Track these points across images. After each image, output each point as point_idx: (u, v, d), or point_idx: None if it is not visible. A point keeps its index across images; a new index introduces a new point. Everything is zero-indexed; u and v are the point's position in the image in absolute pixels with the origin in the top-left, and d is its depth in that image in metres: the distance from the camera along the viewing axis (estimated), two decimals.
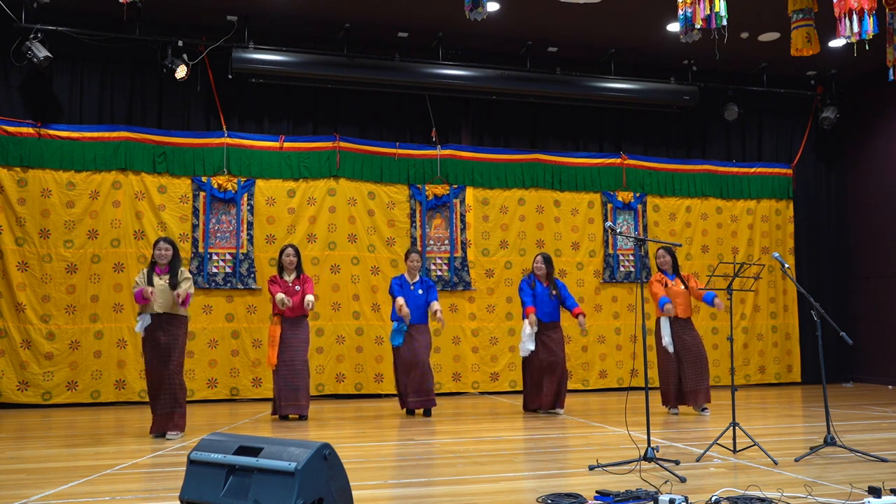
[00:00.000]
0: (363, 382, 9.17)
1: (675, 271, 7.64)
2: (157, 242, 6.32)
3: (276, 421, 7.13)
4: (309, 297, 7.12)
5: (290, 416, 7.21)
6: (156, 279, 6.17)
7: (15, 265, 8.24)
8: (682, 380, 7.44)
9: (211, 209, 8.87)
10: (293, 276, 7.31)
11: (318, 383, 9.03)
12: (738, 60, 10.15)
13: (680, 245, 5.81)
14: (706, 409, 7.53)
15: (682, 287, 7.54)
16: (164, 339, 6.14)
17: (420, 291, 7.59)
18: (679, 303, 7.50)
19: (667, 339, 7.46)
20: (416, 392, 7.50)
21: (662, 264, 7.64)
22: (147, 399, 6.92)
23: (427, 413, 7.60)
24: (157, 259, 6.25)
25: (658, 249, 7.74)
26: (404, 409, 7.69)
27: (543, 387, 7.54)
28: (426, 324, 7.64)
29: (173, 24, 8.76)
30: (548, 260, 7.79)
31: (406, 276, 7.67)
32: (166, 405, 6.15)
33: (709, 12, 5.76)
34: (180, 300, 6.11)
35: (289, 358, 7.16)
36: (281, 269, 7.34)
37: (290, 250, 7.35)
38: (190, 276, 6.36)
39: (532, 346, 7.54)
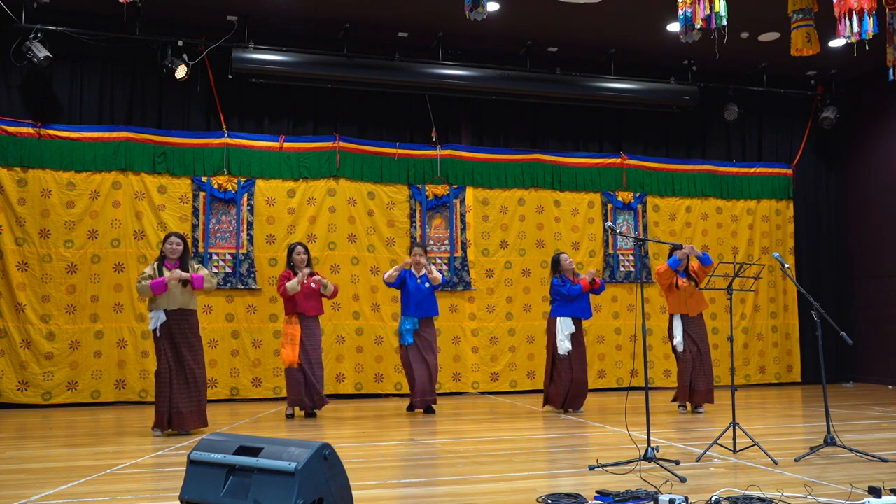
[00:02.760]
0: (363, 382, 9.17)
1: (686, 270, 7.64)
2: (168, 237, 6.35)
3: (277, 420, 7.13)
4: (324, 282, 7.32)
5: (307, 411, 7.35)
6: (166, 273, 6.18)
7: (15, 265, 8.24)
8: (696, 378, 7.46)
9: (211, 209, 8.87)
10: (304, 279, 7.31)
11: None
12: (738, 60, 10.14)
13: (680, 245, 5.81)
14: (701, 408, 7.55)
15: (694, 284, 7.54)
16: (182, 336, 6.19)
17: (427, 285, 7.64)
18: (691, 302, 7.51)
19: (678, 339, 7.46)
20: (424, 391, 7.57)
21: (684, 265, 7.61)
22: (150, 399, 6.91)
23: (430, 410, 7.66)
24: (168, 254, 6.27)
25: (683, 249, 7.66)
26: (411, 408, 7.72)
27: (572, 387, 7.61)
28: (433, 318, 7.72)
29: (173, 24, 8.76)
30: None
31: (413, 269, 7.70)
32: (194, 401, 6.16)
33: (709, 12, 5.76)
34: (196, 281, 6.18)
35: (313, 357, 7.23)
36: (292, 267, 7.36)
37: (300, 248, 7.39)
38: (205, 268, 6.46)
39: (570, 346, 7.60)
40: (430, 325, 7.69)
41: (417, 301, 7.57)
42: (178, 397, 6.13)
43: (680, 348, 7.49)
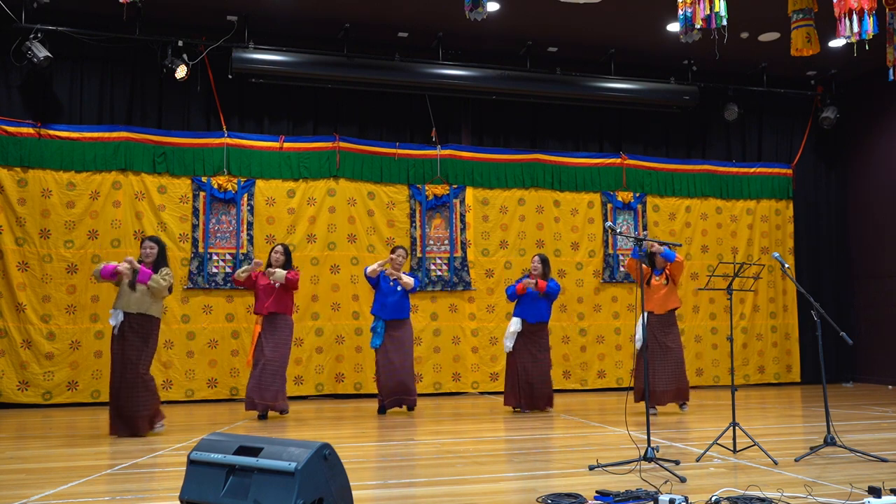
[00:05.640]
0: (363, 382, 9.17)
1: (663, 267, 7.59)
2: (143, 241, 6.37)
3: (277, 420, 7.13)
4: (279, 273, 7.17)
5: (269, 413, 7.29)
6: (122, 265, 6.19)
7: (15, 265, 8.24)
8: (655, 379, 7.33)
9: (211, 209, 8.87)
10: (249, 271, 7.28)
11: (318, 383, 9.04)
12: (738, 60, 10.14)
13: (680, 245, 5.79)
14: (685, 405, 7.49)
15: (665, 283, 7.47)
16: (134, 339, 6.12)
17: (399, 288, 7.63)
18: (656, 298, 7.42)
19: (638, 335, 7.30)
20: (393, 391, 7.56)
21: (661, 262, 7.55)
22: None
23: (410, 408, 7.71)
24: (143, 258, 6.27)
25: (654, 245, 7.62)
26: (382, 411, 7.68)
27: (521, 388, 7.64)
28: (406, 319, 7.69)
29: (173, 24, 8.76)
30: (545, 261, 7.85)
31: (388, 272, 7.69)
32: (131, 407, 6.06)
33: (709, 12, 5.76)
34: (141, 273, 6.11)
35: (270, 357, 7.13)
36: (268, 266, 7.33)
37: (279, 248, 7.37)
38: (170, 273, 6.36)
39: (511, 344, 7.65)
40: (401, 326, 7.64)
41: (388, 303, 7.57)
42: (124, 401, 6.06)
43: (637, 345, 7.24)
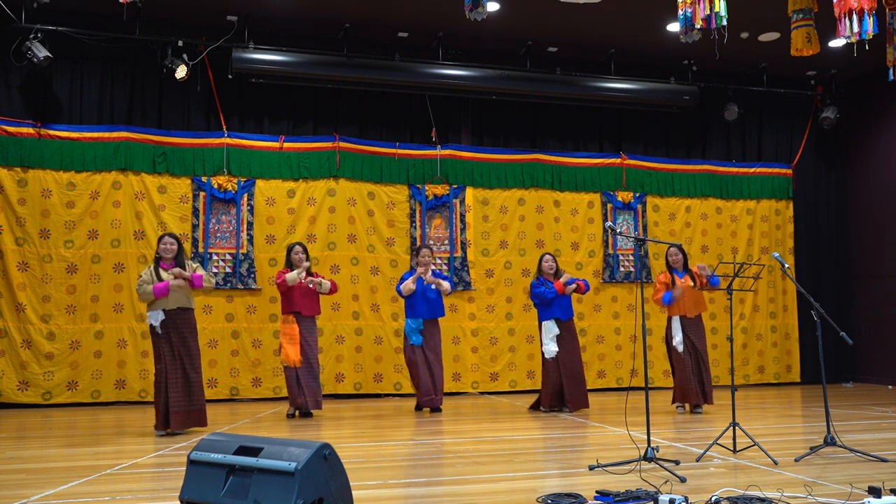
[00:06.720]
0: (362, 382, 9.18)
1: (686, 268, 7.64)
2: (162, 237, 6.42)
3: (277, 420, 7.13)
4: (318, 280, 7.40)
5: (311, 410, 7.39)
6: (164, 274, 6.23)
7: (15, 265, 8.24)
8: (705, 378, 7.47)
9: (211, 209, 8.87)
10: (304, 274, 7.37)
11: None
12: (738, 60, 10.14)
13: (679, 244, 5.81)
14: (700, 408, 7.54)
15: (692, 284, 7.53)
16: (180, 337, 6.24)
17: (433, 287, 7.71)
18: (688, 299, 7.51)
19: (677, 339, 7.45)
20: (428, 392, 7.63)
21: (675, 262, 7.60)
22: (150, 399, 6.94)
23: (437, 410, 7.74)
24: (163, 254, 6.32)
25: (670, 248, 7.69)
26: (419, 408, 7.79)
27: (567, 388, 7.62)
28: (438, 318, 7.81)
29: (173, 24, 8.76)
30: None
31: (421, 272, 7.76)
32: (192, 401, 6.22)
33: (709, 12, 5.76)
34: (195, 280, 6.25)
35: (312, 356, 7.32)
36: (291, 267, 7.38)
37: (298, 248, 7.44)
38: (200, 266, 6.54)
39: (556, 348, 7.62)
40: (435, 326, 7.77)
41: (425, 301, 7.64)
42: (175, 397, 6.15)
43: (680, 348, 7.49)
